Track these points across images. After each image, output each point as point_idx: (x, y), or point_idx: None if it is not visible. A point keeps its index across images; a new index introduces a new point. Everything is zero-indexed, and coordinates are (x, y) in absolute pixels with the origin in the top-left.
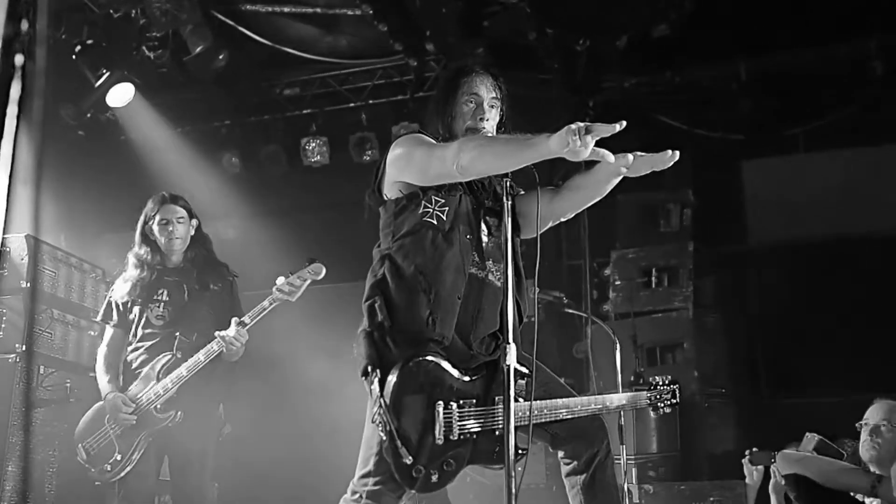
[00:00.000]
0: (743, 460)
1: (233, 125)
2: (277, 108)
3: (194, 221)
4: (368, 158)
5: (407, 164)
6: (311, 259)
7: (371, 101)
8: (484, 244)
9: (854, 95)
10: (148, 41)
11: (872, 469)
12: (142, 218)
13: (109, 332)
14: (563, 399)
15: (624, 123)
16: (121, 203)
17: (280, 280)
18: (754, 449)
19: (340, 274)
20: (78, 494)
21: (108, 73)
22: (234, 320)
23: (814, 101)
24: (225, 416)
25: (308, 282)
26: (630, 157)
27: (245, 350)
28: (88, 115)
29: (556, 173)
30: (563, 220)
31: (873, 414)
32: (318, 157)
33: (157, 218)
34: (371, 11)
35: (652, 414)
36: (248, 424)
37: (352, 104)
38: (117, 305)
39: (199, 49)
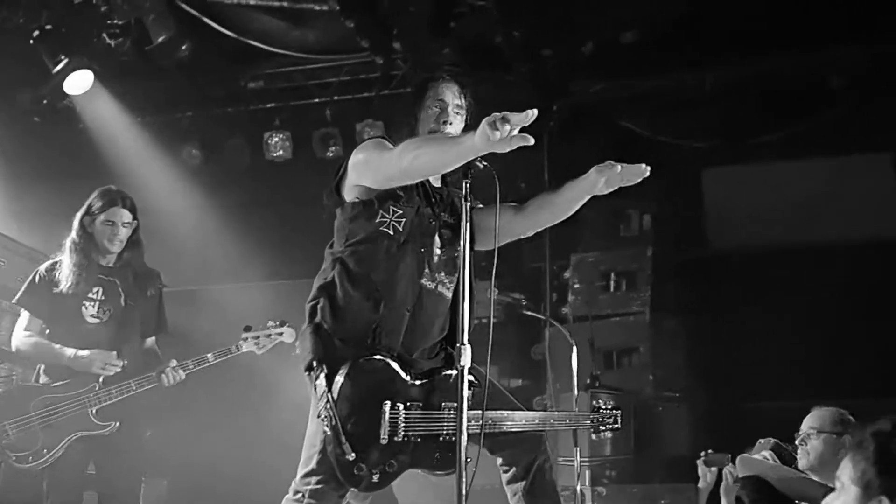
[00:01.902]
0: (697, 461)
1: (195, 117)
2: (241, 100)
3: (135, 222)
4: (332, 155)
5: (365, 168)
6: (284, 321)
7: (336, 98)
8: (436, 257)
9: (815, 107)
10: (109, 28)
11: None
12: (84, 208)
13: (26, 316)
14: (510, 412)
15: (535, 112)
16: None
17: (250, 333)
18: (709, 451)
19: (297, 270)
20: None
21: (66, 60)
22: (174, 361)
23: (775, 112)
24: (145, 420)
25: (275, 342)
26: (619, 166)
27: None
28: (45, 102)
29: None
30: (522, 237)
31: (805, 422)
32: (281, 151)
33: (103, 217)
34: (338, 7)
35: (593, 436)
36: (197, 421)
37: (317, 100)
38: (42, 290)
39: (161, 38)
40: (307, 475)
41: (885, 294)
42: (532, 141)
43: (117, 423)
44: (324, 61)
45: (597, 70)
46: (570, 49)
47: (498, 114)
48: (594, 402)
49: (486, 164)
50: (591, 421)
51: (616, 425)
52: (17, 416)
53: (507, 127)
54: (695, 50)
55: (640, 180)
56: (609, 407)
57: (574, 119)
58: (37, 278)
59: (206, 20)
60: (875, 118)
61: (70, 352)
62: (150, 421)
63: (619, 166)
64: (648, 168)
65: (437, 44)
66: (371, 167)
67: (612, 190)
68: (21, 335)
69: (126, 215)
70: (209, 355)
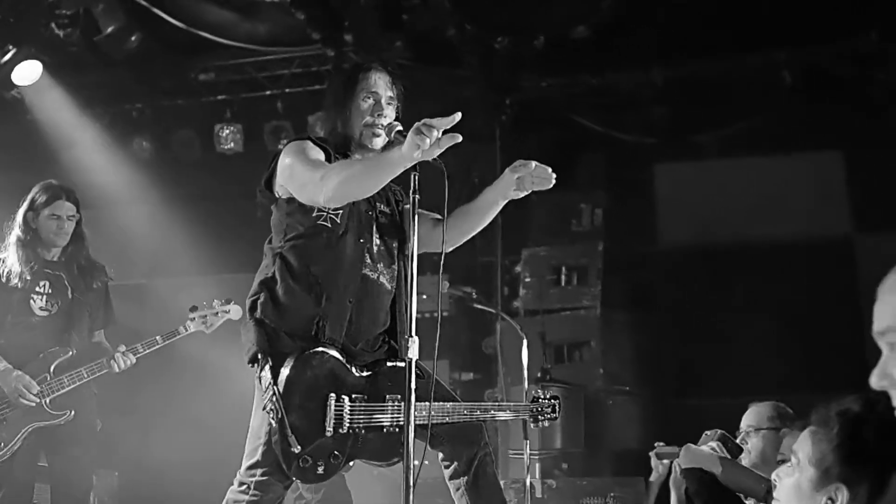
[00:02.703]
0: (650, 454)
1: (144, 108)
2: (192, 92)
3: (78, 215)
4: (283, 147)
5: (290, 178)
6: (229, 300)
7: (287, 90)
8: (376, 247)
9: (764, 104)
10: (58, 18)
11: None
12: (27, 203)
13: None
14: (451, 403)
15: (459, 115)
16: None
17: (197, 312)
18: (661, 443)
19: (247, 264)
20: None
21: (14, 50)
22: (123, 346)
23: (726, 109)
24: (97, 412)
25: (223, 320)
26: (532, 164)
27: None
28: None
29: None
30: (447, 250)
31: (743, 420)
32: (232, 143)
33: (47, 212)
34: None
35: (532, 426)
36: (146, 414)
37: (268, 92)
38: None
39: (110, 29)
40: (252, 467)
41: (831, 291)
42: (460, 138)
43: (72, 412)
44: (275, 53)
45: (548, 65)
46: (522, 43)
47: (427, 120)
48: (534, 392)
49: (436, 159)
50: (531, 411)
51: (554, 415)
52: None
53: (435, 132)
54: (646, 46)
55: (550, 186)
56: (548, 397)
57: (526, 113)
58: None
59: (156, 11)
60: (825, 116)
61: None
62: (101, 412)
63: (533, 164)
64: (554, 175)
65: (388, 36)
66: (295, 182)
67: (525, 194)
68: None
69: (70, 208)
70: (157, 337)
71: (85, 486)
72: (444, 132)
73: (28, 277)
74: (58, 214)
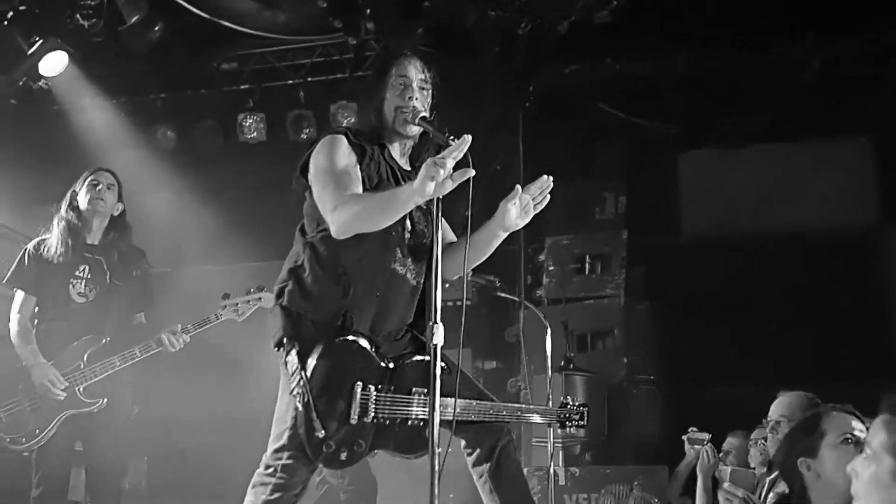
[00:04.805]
0: (683, 437)
1: (168, 98)
2: (214, 82)
3: (120, 205)
4: (306, 136)
5: (314, 181)
6: (262, 287)
7: (309, 79)
8: (407, 242)
9: (789, 91)
10: (82, 9)
11: None
12: (74, 186)
13: (20, 296)
14: (479, 401)
15: (469, 137)
16: (52, 174)
17: (229, 301)
18: (694, 429)
19: (271, 252)
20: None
21: (40, 41)
22: (179, 325)
23: (750, 96)
24: (133, 398)
25: (255, 308)
26: (518, 188)
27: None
28: (20, 84)
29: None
30: (450, 279)
31: (773, 410)
32: (255, 133)
33: (88, 180)
34: None
35: (559, 431)
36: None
37: (290, 81)
38: (33, 266)
39: (134, 19)
40: (278, 450)
41: (856, 280)
42: (473, 173)
43: (105, 400)
44: (297, 42)
45: (570, 52)
46: (544, 29)
47: (431, 158)
48: (562, 398)
49: (452, 137)
50: (559, 416)
51: (582, 422)
52: (5, 400)
53: (448, 165)
54: (669, 32)
55: (548, 199)
56: (577, 403)
57: (548, 100)
58: (26, 256)
59: (179, 1)
60: (852, 103)
61: (31, 358)
62: (136, 398)
63: (519, 188)
64: (550, 178)
65: (409, 24)
66: (316, 187)
67: (528, 219)
68: (13, 317)
69: (109, 178)
70: (189, 325)
71: (119, 470)
72: (457, 165)
73: (68, 254)
74: (98, 181)
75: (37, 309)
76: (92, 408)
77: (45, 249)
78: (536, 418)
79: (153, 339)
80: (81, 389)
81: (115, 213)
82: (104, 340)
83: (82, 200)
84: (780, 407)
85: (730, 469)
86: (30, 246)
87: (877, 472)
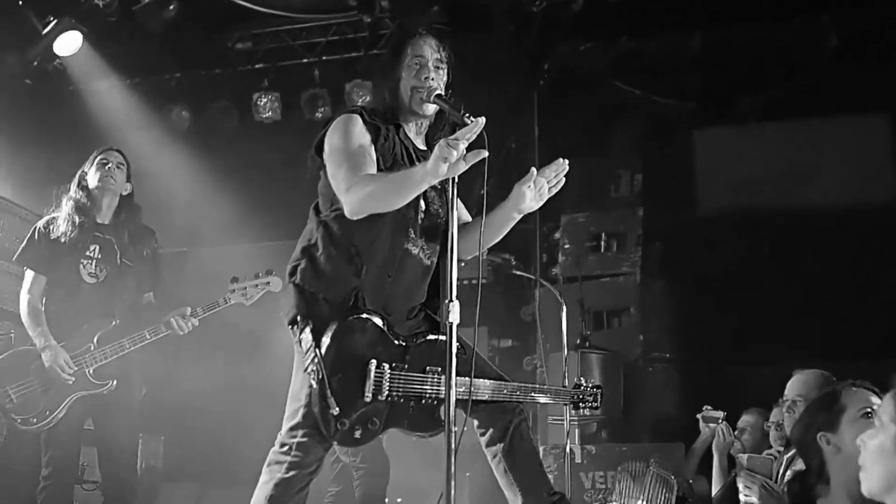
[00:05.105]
0: (698, 415)
1: (182, 78)
2: (229, 62)
3: (129, 185)
4: (321, 115)
5: (328, 160)
6: (270, 271)
7: (324, 58)
8: (420, 222)
9: (806, 67)
10: None
11: None
12: (83, 167)
13: (30, 276)
14: (492, 381)
15: (483, 120)
16: (66, 154)
17: (237, 284)
18: (708, 407)
19: (289, 231)
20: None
21: (55, 21)
22: (188, 309)
23: (766, 72)
24: (141, 379)
25: (263, 292)
26: (533, 171)
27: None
28: (35, 64)
29: None
30: (464, 259)
31: (789, 389)
32: (270, 112)
33: (98, 159)
34: None
35: (572, 412)
36: (194, 379)
37: (305, 60)
38: (41, 245)
39: None
40: (293, 428)
41: (873, 258)
42: (486, 154)
43: (114, 382)
44: (311, 21)
45: (585, 29)
46: (558, 6)
47: (444, 139)
48: (576, 380)
49: (474, 119)
50: (572, 397)
51: (596, 404)
52: (17, 381)
53: (461, 146)
54: (685, 8)
55: (563, 182)
56: (591, 384)
57: (564, 78)
58: (36, 234)
59: None
60: (871, 78)
61: (40, 340)
62: (147, 380)
63: (534, 171)
64: (566, 161)
65: (424, 2)
66: (330, 166)
67: (542, 203)
68: (23, 298)
69: (117, 156)
70: (198, 309)
71: (130, 449)
72: (472, 145)
73: (77, 233)
74: (107, 159)
75: (47, 288)
76: (102, 389)
77: (54, 228)
78: (546, 399)
79: (162, 321)
80: (91, 371)
81: (125, 193)
82: (114, 323)
83: (92, 179)
84: (797, 386)
85: (747, 456)
86: (39, 224)
87: (883, 442)
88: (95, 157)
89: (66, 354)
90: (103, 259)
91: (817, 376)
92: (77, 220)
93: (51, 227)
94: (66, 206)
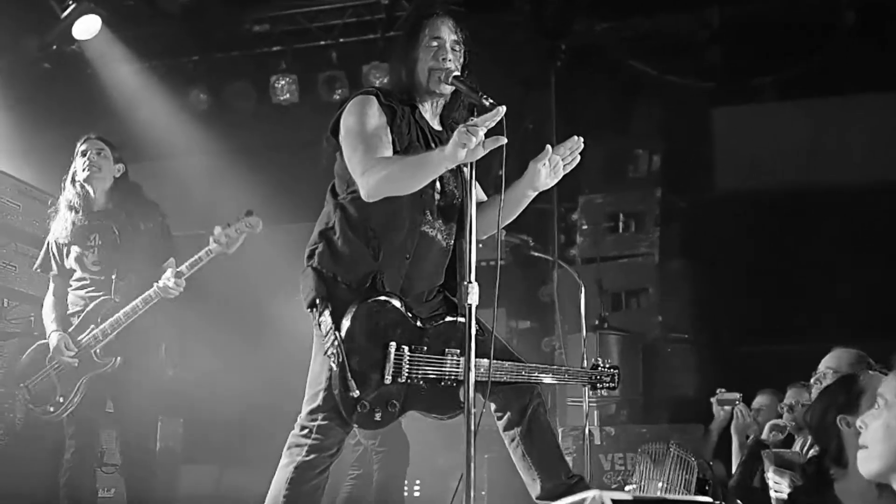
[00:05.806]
0: (712, 399)
1: (200, 61)
2: (246, 44)
3: (120, 166)
4: (338, 97)
5: (344, 142)
6: (249, 211)
7: (341, 40)
8: (437, 203)
9: (825, 45)
10: None
11: None
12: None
13: (52, 280)
14: (510, 363)
15: (504, 108)
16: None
17: (217, 231)
18: (722, 389)
19: (306, 213)
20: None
21: (74, 5)
22: (170, 270)
23: (785, 50)
24: (168, 358)
25: (244, 234)
26: (549, 148)
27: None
28: (54, 48)
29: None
30: (480, 238)
31: (823, 362)
32: (288, 95)
33: (79, 152)
34: None
35: (589, 392)
36: (213, 362)
37: (322, 42)
38: (56, 252)
39: None
40: (313, 412)
41: (892, 237)
42: (505, 141)
43: (118, 359)
44: (328, 3)
45: (602, 8)
46: None
47: (464, 125)
48: (594, 360)
49: (492, 101)
50: (590, 378)
51: (613, 384)
52: (37, 372)
53: (480, 132)
54: None
55: (578, 159)
56: (608, 365)
57: (580, 58)
58: (47, 246)
59: None
60: (888, 54)
61: (49, 329)
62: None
63: (549, 148)
64: (581, 138)
65: None
66: (346, 149)
67: (557, 180)
68: (46, 299)
69: (99, 143)
70: (183, 267)
71: (149, 431)
72: (489, 133)
73: (75, 233)
74: (85, 150)
75: (64, 286)
76: (106, 367)
77: (58, 234)
78: (567, 379)
79: (151, 290)
80: (98, 351)
81: (117, 175)
82: (114, 299)
83: (79, 173)
84: (829, 360)
85: (776, 452)
86: (50, 238)
87: (887, 420)
88: (77, 150)
89: (68, 337)
90: (104, 244)
91: (852, 354)
92: (71, 218)
93: (57, 236)
94: (62, 208)
